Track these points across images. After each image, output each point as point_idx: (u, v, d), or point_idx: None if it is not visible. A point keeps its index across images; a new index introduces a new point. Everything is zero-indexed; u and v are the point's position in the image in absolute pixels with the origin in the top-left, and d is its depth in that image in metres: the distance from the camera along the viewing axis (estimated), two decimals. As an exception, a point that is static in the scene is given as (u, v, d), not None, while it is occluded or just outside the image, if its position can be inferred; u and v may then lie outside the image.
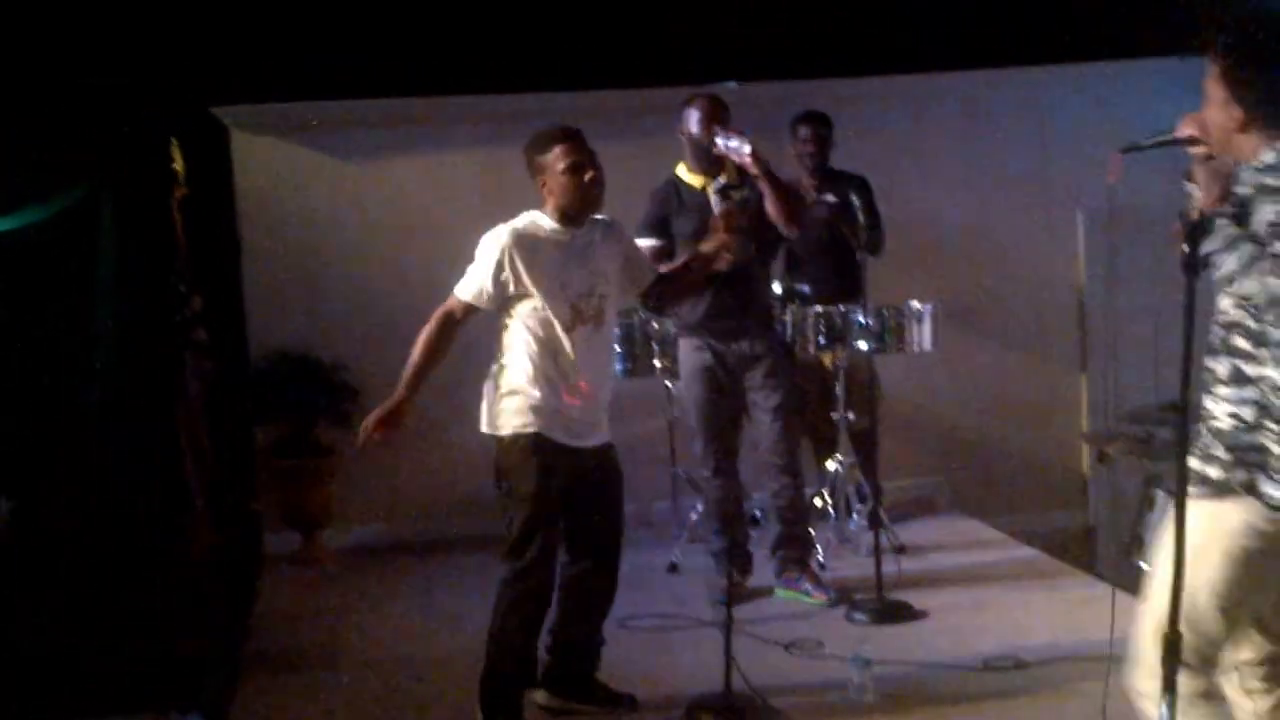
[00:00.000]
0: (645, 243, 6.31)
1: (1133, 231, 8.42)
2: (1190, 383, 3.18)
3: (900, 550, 7.41)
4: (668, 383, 7.63)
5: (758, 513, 7.59)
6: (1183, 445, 3.20)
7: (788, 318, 6.96)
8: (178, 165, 7.44)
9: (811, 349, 7.05)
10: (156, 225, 7.10)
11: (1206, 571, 3.32)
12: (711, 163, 6.50)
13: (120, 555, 6.35)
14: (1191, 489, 3.28)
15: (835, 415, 7.34)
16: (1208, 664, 3.45)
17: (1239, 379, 3.35)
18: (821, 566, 7.01)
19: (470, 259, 5.13)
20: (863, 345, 7.06)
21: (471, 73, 7.94)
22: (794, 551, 6.81)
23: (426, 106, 8.36)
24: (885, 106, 8.78)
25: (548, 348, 5.06)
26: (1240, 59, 3.33)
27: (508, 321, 5.12)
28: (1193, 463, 3.36)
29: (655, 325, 7.29)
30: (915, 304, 7.30)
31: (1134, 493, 7.40)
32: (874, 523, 6.79)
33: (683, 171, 6.63)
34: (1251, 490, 3.29)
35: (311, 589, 7.69)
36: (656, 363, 7.49)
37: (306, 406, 8.12)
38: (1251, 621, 3.54)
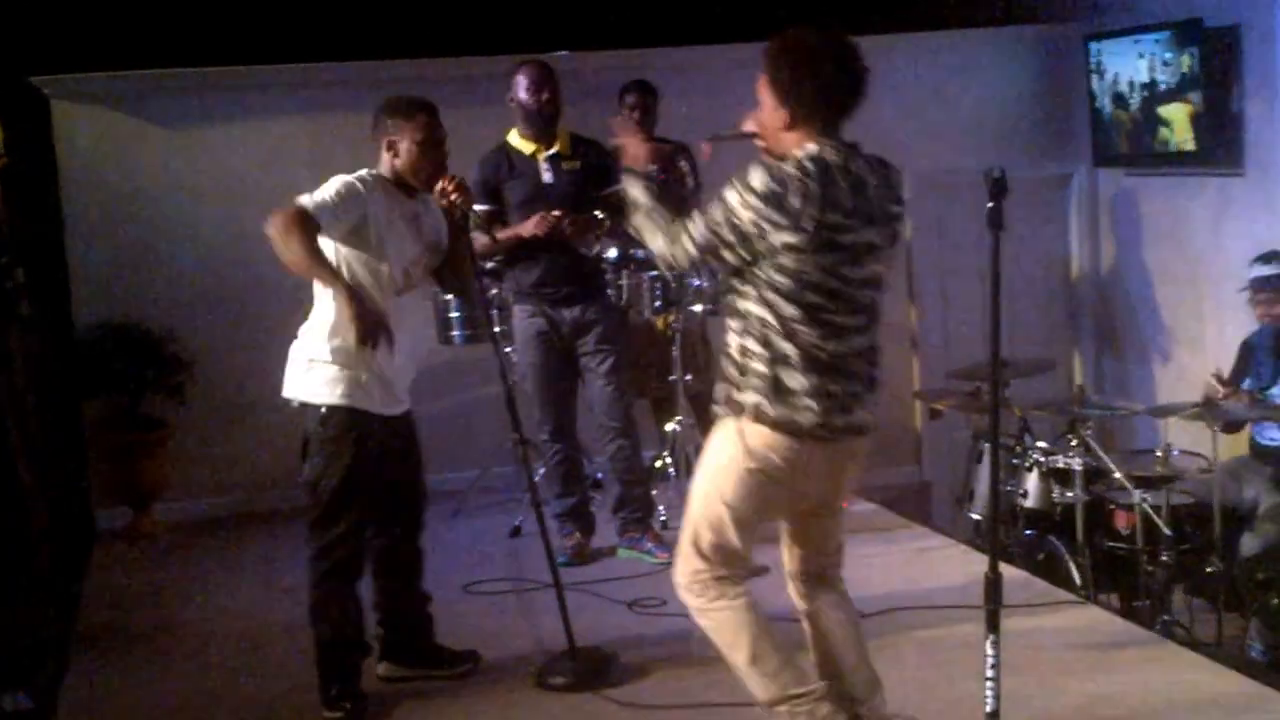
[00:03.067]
0: (478, 207, 6.31)
1: (961, 192, 8.64)
2: (999, 334, 3.79)
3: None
4: (507, 349, 7.60)
5: (600, 475, 7.61)
6: (995, 396, 4.09)
7: (623, 282, 6.96)
8: (-3, 135, 7.29)
9: (647, 312, 7.06)
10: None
11: (725, 486, 4.00)
12: (543, 130, 6.50)
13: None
14: (720, 410, 4.04)
15: (672, 378, 7.36)
16: (733, 567, 4.11)
17: (737, 314, 3.98)
18: (664, 525, 7.04)
19: None
20: (697, 308, 7.09)
21: (297, 40, 7.88)
22: (635, 512, 6.84)
23: (252, 74, 8.23)
24: (713, 74, 8.81)
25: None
26: (779, 68, 3.91)
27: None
28: (723, 388, 4.03)
29: (494, 291, 7.26)
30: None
31: (965, 447, 7.60)
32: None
33: (514, 138, 6.61)
34: (759, 413, 3.91)
35: (143, 564, 7.54)
36: (495, 329, 7.47)
37: (135, 379, 7.95)
38: (786, 537, 4.31)
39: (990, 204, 3.60)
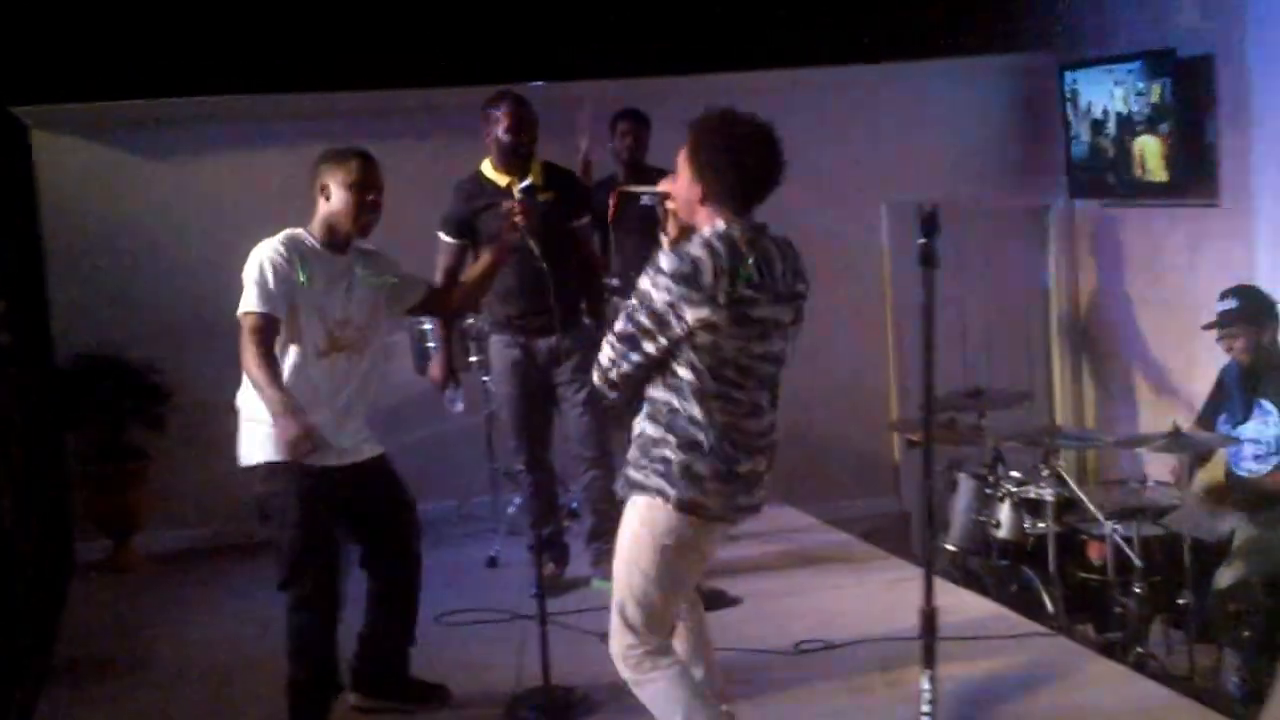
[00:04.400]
0: (446, 239, 6.38)
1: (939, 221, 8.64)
2: (932, 369, 3.77)
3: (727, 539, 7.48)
4: (484, 378, 7.62)
5: (575, 504, 7.63)
6: (928, 433, 3.99)
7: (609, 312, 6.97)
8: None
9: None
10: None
11: (642, 561, 4.17)
12: (517, 163, 6.50)
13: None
14: (622, 490, 4.27)
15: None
16: (663, 634, 4.24)
17: (645, 400, 4.09)
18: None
19: None
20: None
21: (279, 71, 7.87)
22: (609, 542, 6.82)
23: (234, 104, 8.24)
24: (694, 104, 8.82)
25: (300, 372, 4.94)
26: (703, 148, 4.02)
27: (269, 344, 4.91)
28: (630, 471, 4.18)
29: (470, 321, 7.28)
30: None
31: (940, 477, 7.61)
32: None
33: (487, 169, 6.62)
34: (665, 497, 4.02)
35: (123, 596, 7.54)
36: (472, 359, 7.51)
37: (116, 409, 7.97)
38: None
39: (922, 240, 3.62)
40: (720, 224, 3.96)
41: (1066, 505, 6.86)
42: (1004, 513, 6.91)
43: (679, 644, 4.37)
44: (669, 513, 4.03)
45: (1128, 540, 6.47)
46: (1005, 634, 5.85)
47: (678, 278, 3.84)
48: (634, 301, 3.95)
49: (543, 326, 6.57)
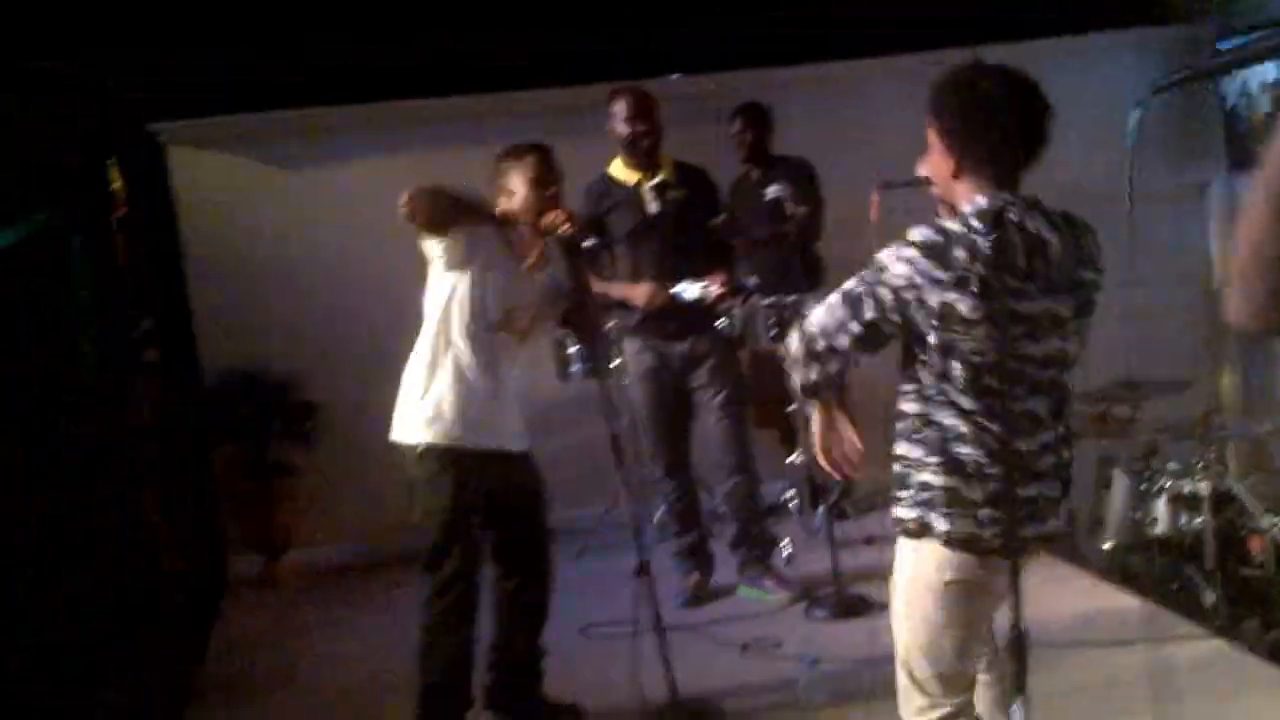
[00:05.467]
0: (590, 243, 6.28)
1: (1098, 204, 8.37)
2: None
3: (869, 541, 7.31)
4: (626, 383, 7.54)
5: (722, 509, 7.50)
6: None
7: (736, 311, 6.84)
8: (116, 184, 7.38)
9: (762, 342, 6.93)
10: (101, 246, 7.03)
11: (925, 606, 3.51)
12: (645, 159, 6.41)
13: (76, 579, 6.26)
14: (895, 527, 3.54)
15: (792, 408, 7.23)
16: (958, 694, 3.59)
17: (899, 415, 3.49)
18: (788, 562, 6.94)
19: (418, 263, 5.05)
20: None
21: (411, 77, 7.82)
22: (754, 549, 6.73)
23: (369, 112, 8.20)
24: (838, 91, 8.67)
25: (472, 349, 4.97)
26: (946, 113, 3.41)
27: (435, 314, 5.01)
28: (894, 509, 3.53)
29: (609, 325, 7.21)
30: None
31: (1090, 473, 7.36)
32: (833, 514, 6.73)
33: (616, 168, 6.53)
34: (933, 532, 3.41)
35: (274, 612, 7.58)
36: (614, 363, 7.42)
37: (262, 425, 8.02)
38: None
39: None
40: (981, 199, 3.33)
41: (1226, 499, 6.57)
42: (1160, 508, 6.65)
43: (981, 702, 3.75)
44: (939, 549, 3.41)
45: (1290, 534, 6.19)
46: (1158, 636, 5.61)
47: (925, 249, 3.23)
48: (857, 280, 3.37)
49: (676, 330, 6.47)
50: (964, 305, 3.21)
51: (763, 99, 7.83)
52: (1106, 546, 6.90)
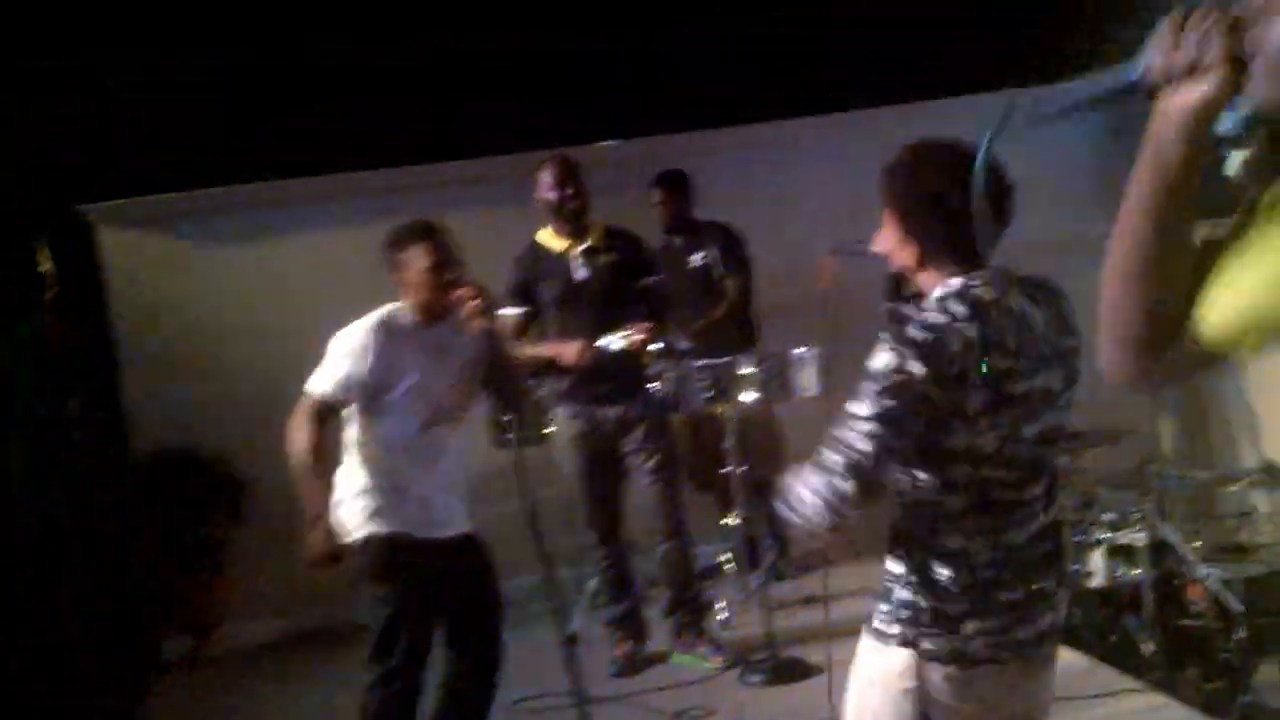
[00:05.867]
0: (510, 311, 6.22)
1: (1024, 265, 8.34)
2: None
3: (808, 602, 7.25)
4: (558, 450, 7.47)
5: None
6: None
7: (670, 374, 6.79)
8: (46, 266, 7.32)
9: (694, 405, 6.87)
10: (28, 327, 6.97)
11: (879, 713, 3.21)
12: (573, 226, 6.40)
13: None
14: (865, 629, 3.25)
15: (726, 469, 7.16)
16: None
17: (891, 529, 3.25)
18: (725, 625, 6.86)
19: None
20: (749, 397, 6.88)
21: (337, 150, 7.76)
22: (687, 615, 6.66)
23: (295, 188, 8.14)
24: (767, 154, 8.66)
25: (401, 445, 4.94)
26: (899, 197, 3.21)
27: (357, 418, 5.00)
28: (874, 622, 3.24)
29: (540, 393, 7.15)
30: (798, 350, 7.11)
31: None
32: (769, 577, 6.68)
33: (544, 236, 6.51)
34: (910, 644, 3.13)
35: (203, 693, 7.47)
36: (546, 430, 7.35)
37: (193, 503, 7.92)
38: None
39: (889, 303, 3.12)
40: (953, 282, 3.10)
41: (1163, 549, 6.51)
42: (1097, 561, 6.58)
43: None
44: (908, 655, 3.13)
45: (1228, 582, 6.13)
46: (1093, 693, 5.55)
47: (923, 350, 2.95)
48: (862, 409, 3.02)
49: (606, 395, 6.43)
50: (967, 399, 2.98)
51: (693, 163, 7.83)
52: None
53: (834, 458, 3.02)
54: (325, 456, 4.91)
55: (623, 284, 6.45)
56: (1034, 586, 3.14)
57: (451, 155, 7.95)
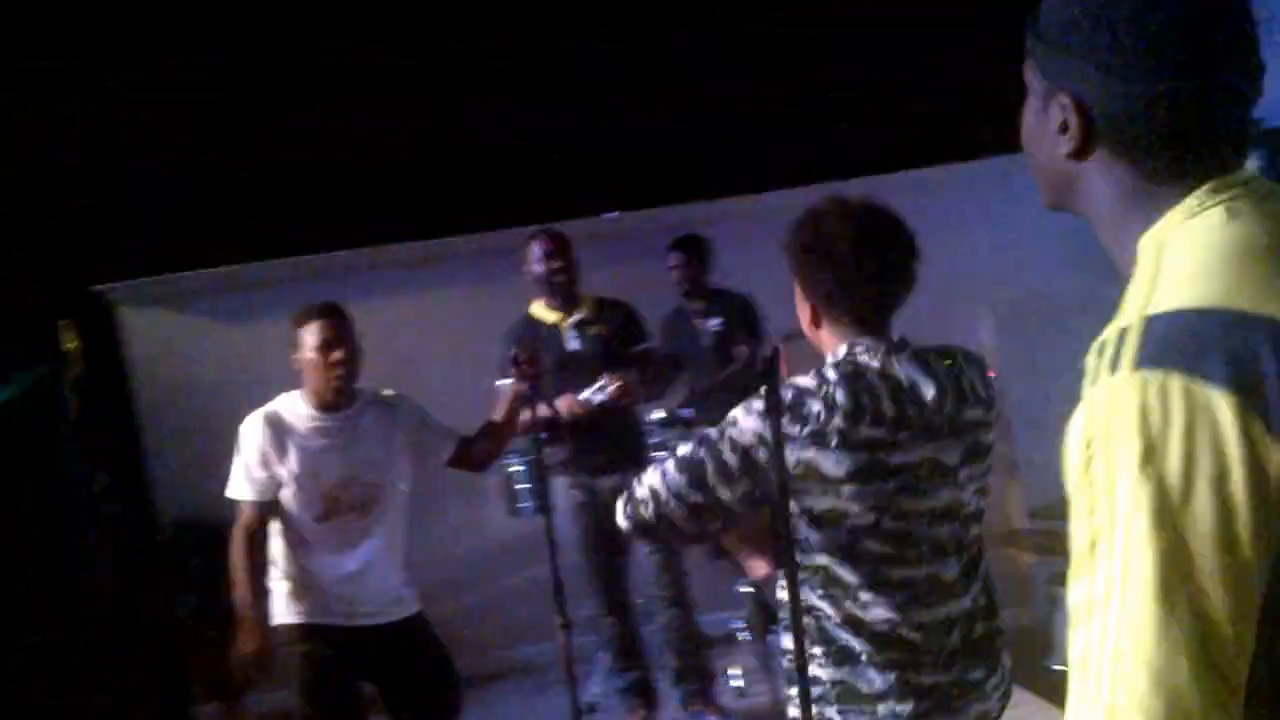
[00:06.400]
0: (502, 382, 6.26)
1: (1045, 325, 8.31)
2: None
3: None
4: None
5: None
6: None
7: (672, 444, 6.80)
8: (70, 345, 7.45)
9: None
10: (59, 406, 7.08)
11: None
12: (564, 298, 6.44)
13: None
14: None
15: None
16: None
17: (782, 604, 3.13)
18: (740, 694, 6.85)
19: None
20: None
21: (351, 226, 7.84)
22: (693, 683, 6.64)
23: (312, 264, 8.27)
24: (780, 221, 8.66)
25: (302, 537, 4.93)
26: (794, 257, 3.12)
27: (269, 518, 5.01)
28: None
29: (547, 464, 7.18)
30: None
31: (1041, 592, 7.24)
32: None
33: (537, 308, 6.56)
34: None
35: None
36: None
37: (218, 572, 7.99)
38: None
39: (765, 387, 2.90)
40: (841, 348, 3.05)
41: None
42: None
43: None
44: None
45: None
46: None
47: (780, 411, 2.88)
48: (714, 431, 3.00)
49: (603, 464, 6.44)
50: (825, 462, 2.89)
51: (705, 230, 7.85)
52: (1056, 667, 6.77)
53: (647, 478, 3.07)
54: (252, 555, 4.91)
55: (615, 353, 6.48)
56: (958, 676, 3.02)
57: (453, 230, 8.04)
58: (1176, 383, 1.46)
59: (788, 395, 2.93)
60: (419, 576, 5.44)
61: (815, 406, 2.90)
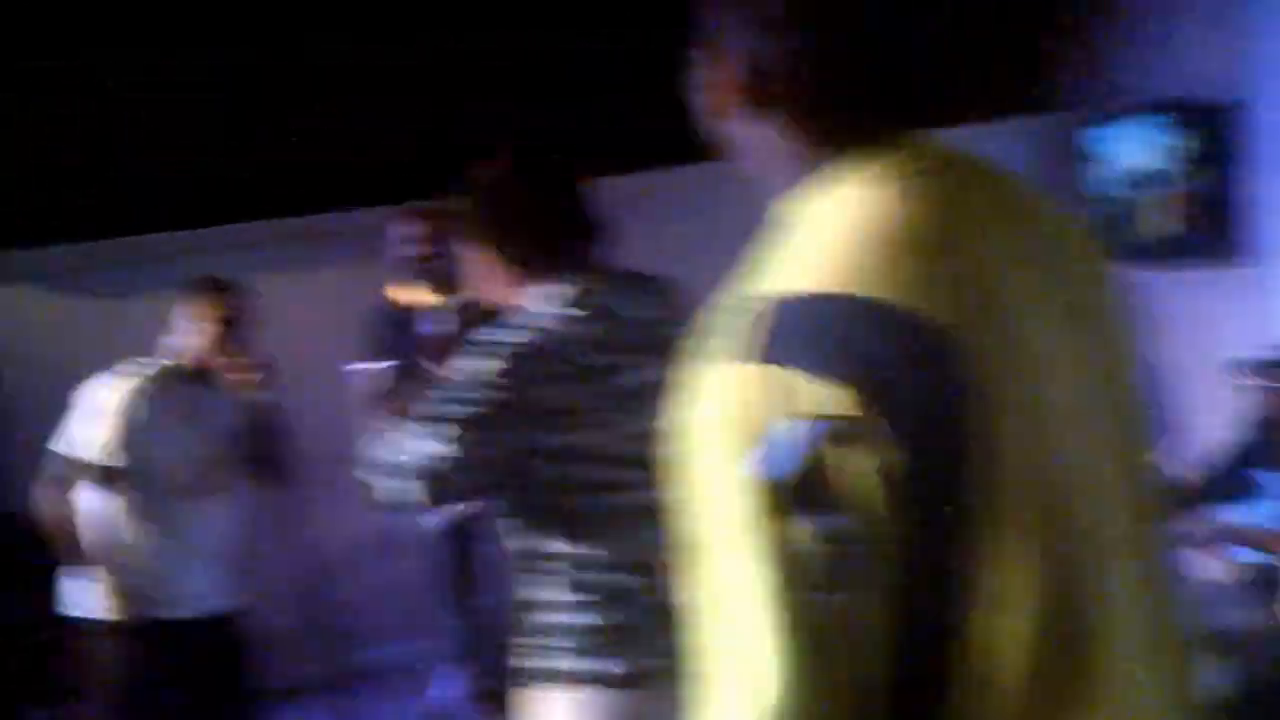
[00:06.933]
0: (377, 366, 6.12)
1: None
2: None
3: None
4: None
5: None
6: None
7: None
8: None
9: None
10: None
11: None
12: (438, 280, 6.33)
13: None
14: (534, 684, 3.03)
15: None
16: None
17: (518, 558, 3.07)
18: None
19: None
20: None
21: (231, 201, 7.45)
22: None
23: (185, 239, 7.63)
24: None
25: (145, 517, 4.76)
26: (505, 228, 3.17)
27: (92, 486, 4.78)
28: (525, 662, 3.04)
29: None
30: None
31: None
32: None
33: (394, 291, 6.42)
34: (576, 678, 2.96)
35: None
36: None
37: (46, 570, 7.73)
38: None
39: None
40: (535, 289, 3.04)
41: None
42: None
43: None
44: (578, 697, 2.92)
45: None
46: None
47: (516, 351, 2.84)
48: (443, 392, 2.86)
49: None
50: (562, 393, 2.85)
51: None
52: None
53: (409, 458, 2.85)
54: (69, 527, 4.74)
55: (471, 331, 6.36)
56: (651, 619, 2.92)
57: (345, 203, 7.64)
58: (801, 381, 1.42)
59: (523, 335, 2.89)
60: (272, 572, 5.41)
61: (552, 346, 2.88)
